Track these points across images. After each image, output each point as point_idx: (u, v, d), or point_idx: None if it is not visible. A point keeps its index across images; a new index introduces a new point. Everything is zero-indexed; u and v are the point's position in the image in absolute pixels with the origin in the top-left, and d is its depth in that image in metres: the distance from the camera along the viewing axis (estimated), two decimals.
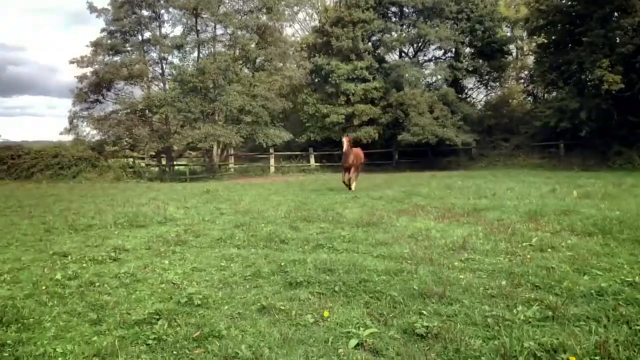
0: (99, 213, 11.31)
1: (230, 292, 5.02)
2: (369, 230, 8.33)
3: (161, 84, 32.76)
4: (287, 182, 23.97)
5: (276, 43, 32.80)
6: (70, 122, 33.33)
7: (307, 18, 40.64)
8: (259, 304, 4.57)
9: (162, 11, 33.22)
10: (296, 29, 40.59)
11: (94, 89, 33.05)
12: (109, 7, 33.43)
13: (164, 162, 33.65)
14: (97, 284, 5.24)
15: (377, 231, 8.25)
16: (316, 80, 34.70)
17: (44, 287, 5.07)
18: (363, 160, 17.07)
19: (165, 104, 29.82)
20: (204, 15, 32.59)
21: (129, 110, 31.80)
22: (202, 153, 37.04)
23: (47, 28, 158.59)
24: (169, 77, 33.18)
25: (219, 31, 33.53)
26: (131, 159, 32.44)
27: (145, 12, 33.33)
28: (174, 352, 3.54)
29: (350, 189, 15.62)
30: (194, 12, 31.67)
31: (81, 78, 33.04)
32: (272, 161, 33.28)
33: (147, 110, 31.84)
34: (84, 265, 6.15)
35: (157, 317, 4.13)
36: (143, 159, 33.96)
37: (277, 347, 3.62)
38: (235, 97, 29.81)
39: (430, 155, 32.70)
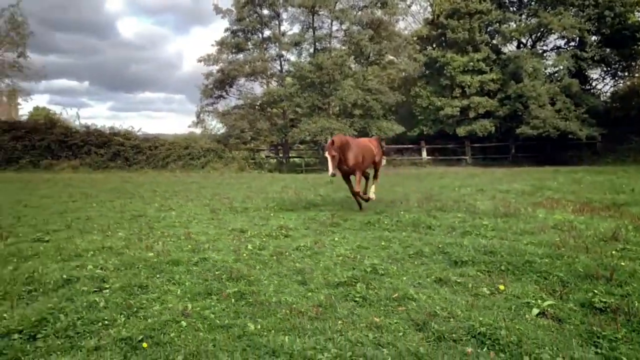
0: (248, 198, 12.58)
1: (402, 266, 5.66)
2: (508, 221, 8.58)
3: (279, 80, 34.40)
4: (401, 174, 24.38)
5: (390, 37, 33.19)
6: (198, 116, 36.21)
7: (421, 10, 40.42)
8: (433, 277, 5.16)
9: (281, 10, 34.83)
10: (409, 21, 40.58)
11: (218, 85, 35.60)
12: (233, 8, 35.69)
13: (280, 154, 35.45)
14: (285, 254, 6.14)
15: (518, 222, 8.48)
16: (429, 72, 34.56)
17: (244, 255, 6.06)
18: (380, 157, 11.54)
19: (284, 98, 31.40)
20: (320, 13, 33.77)
21: (250, 105, 33.89)
22: (309, 147, 38.62)
23: (165, 27, 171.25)
24: (286, 73, 34.80)
25: (335, 27, 34.61)
26: (253, 151, 34.41)
27: (265, 12, 35.19)
28: (380, 308, 4.23)
29: (365, 200, 10.56)
30: (312, 9, 32.91)
31: (207, 75, 35.70)
32: None
33: (266, 105, 33.67)
34: (264, 239, 7.13)
35: (355, 280, 4.87)
36: (263, 150, 35.98)
37: (467, 311, 4.18)
38: (350, 91, 30.69)
39: (550, 150, 31.39)
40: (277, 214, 9.85)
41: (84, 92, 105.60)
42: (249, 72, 33.86)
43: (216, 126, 35.49)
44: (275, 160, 34.84)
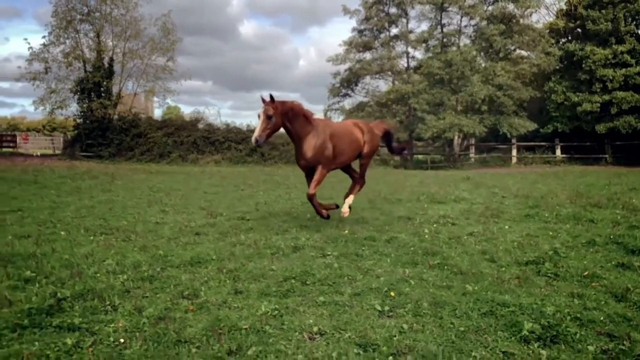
0: (395, 191, 13.43)
1: (578, 252, 6.09)
2: None
3: (406, 77, 34.85)
4: (537, 172, 23.78)
5: (523, 31, 32.23)
6: (325, 114, 37.84)
7: (555, 1, 38.54)
8: (614, 262, 5.55)
9: (409, 8, 35.24)
10: (542, 14, 38.91)
11: (345, 84, 36.93)
12: (360, 8, 36.75)
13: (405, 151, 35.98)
14: (462, 238, 6.83)
15: None
16: (564, 66, 32.98)
17: (426, 237, 6.85)
18: (371, 150, 8.33)
19: (411, 95, 31.84)
20: (449, 9, 33.70)
21: (377, 103, 34.81)
22: (427, 143, 38.62)
23: (283, 28, 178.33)
24: (412, 70, 35.18)
25: (463, 23, 34.35)
26: (379, 148, 35.27)
27: (393, 10, 35.85)
28: (574, 282, 4.77)
29: (325, 212, 7.62)
30: (441, 6, 32.96)
31: (335, 74, 37.20)
32: (513, 152, 32.95)
33: (392, 102, 34.33)
34: (433, 226, 7.87)
35: (542, 259, 5.44)
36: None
37: None
38: (481, 87, 30.35)
39: None
40: (430, 205, 10.52)
41: (207, 91, 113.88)
42: (376, 70, 34.77)
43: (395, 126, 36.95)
44: (399, 157, 35.39)
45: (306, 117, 7.27)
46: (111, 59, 34.09)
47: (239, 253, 5.55)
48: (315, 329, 3.43)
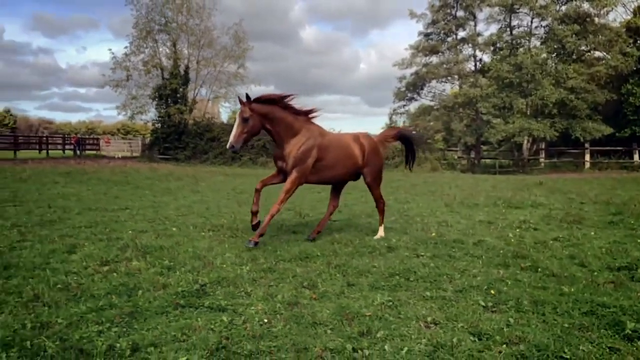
0: (470, 195, 13.57)
1: None
2: None
3: (472, 80, 34.47)
4: (614, 178, 22.96)
5: (599, 31, 31.13)
6: (390, 118, 38.06)
7: None
8: None
9: (477, 11, 34.85)
10: (619, 12, 37.34)
11: (411, 88, 36.95)
12: (427, 12, 36.69)
13: (472, 155, 35.54)
14: (547, 243, 7.01)
15: None
16: None
17: (512, 241, 7.09)
18: (376, 168, 7.47)
19: (480, 99, 31.49)
20: (519, 10, 33.06)
21: (444, 106, 34.63)
22: (493, 147, 37.90)
23: (344, 32, 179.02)
24: (480, 74, 34.73)
25: (534, 24, 33.58)
26: (445, 152, 35.07)
27: (460, 13, 35.56)
28: None
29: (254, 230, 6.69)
30: (511, 8, 32.40)
31: (401, 78, 37.31)
32: (586, 156, 31.86)
33: (458, 106, 34.04)
34: (516, 230, 8.06)
35: (635, 266, 5.59)
36: (455, 151, 36.44)
37: None
38: (552, 90, 29.60)
39: None
40: (508, 210, 10.64)
41: None
42: (443, 74, 34.62)
43: (408, 127, 36.93)
44: (466, 161, 35.05)
45: (287, 120, 6.49)
46: (187, 67, 35.89)
47: (340, 251, 6.05)
48: (429, 319, 3.85)
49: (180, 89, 35.27)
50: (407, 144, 8.14)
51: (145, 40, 36.23)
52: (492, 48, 33.88)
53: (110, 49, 77.85)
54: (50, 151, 41.41)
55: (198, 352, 3.05)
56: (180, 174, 20.48)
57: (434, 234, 7.31)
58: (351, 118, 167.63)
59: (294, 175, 6.49)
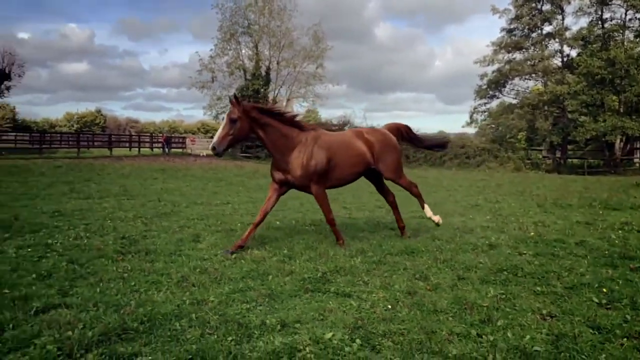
0: (562, 196, 13.26)
1: None
2: None
3: (559, 77, 33.14)
4: None
5: None
6: (471, 116, 37.35)
7: None
8: None
9: (564, 4, 33.44)
10: None
11: (493, 86, 36.05)
12: (510, 7, 35.63)
13: (558, 155, 34.15)
14: None
15: None
16: None
17: (616, 242, 6.99)
18: (394, 163, 6.97)
19: (567, 97, 30.23)
20: (612, 2, 31.39)
21: (528, 104, 33.53)
22: (577, 146, 36.07)
23: (418, 28, 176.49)
24: (566, 70, 33.31)
25: (628, 17, 31.74)
26: (529, 151, 33.96)
27: (546, 7, 34.25)
28: None
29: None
30: (602, 0, 30.84)
31: (482, 76, 36.51)
32: None
33: (543, 104, 32.84)
34: (619, 232, 7.87)
35: None
36: (540, 150, 35.21)
37: None
38: None
39: None
40: (606, 212, 10.35)
41: (341, 94, 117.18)
42: (528, 71, 33.53)
43: (490, 125, 36.14)
44: (551, 161, 33.76)
45: (284, 119, 6.13)
46: (268, 68, 37.12)
47: (443, 247, 6.29)
48: (544, 311, 4.03)
49: (262, 90, 36.52)
50: (408, 140, 7.75)
51: (229, 43, 37.84)
52: (581, 43, 32.37)
53: (197, 52, 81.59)
54: (140, 149, 44.19)
55: (340, 330, 3.44)
56: (265, 171, 21.27)
57: (532, 234, 7.35)
58: (425, 116, 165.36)
59: (316, 190, 6.21)
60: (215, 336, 3.32)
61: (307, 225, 7.91)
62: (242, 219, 8.52)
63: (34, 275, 4.66)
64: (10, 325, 3.40)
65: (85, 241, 6.32)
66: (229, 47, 38.01)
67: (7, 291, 4.18)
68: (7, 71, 45.85)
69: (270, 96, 37.71)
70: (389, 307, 4.03)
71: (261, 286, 4.46)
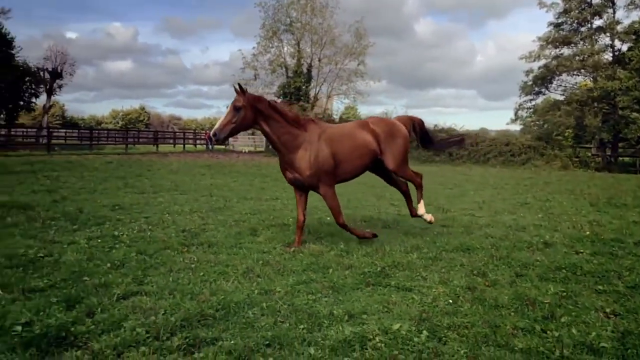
0: (616, 195, 12.93)
1: None
2: None
3: (609, 73, 32.04)
4: None
5: None
6: (515, 113, 36.59)
7: None
8: None
9: None
10: None
11: (539, 82, 35.19)
12: (558, 1, 34.66)
13: (608, 153, 33.07)
14: None
15: None
16: None
17: None
18: (399, 154, 6.61)
19: (619, 93, 29.24)
20: None
21: (576, 101, 32.59)
22: (628, 144, 34.72)
23: (459, 24, 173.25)
24: (617, 65, 32.19)
25: None
26: (577, 149, 33.00)
27: (596, 0, 33.19)
28: None
29: (360, 236, 6.35)
30: None
31: (527, 72, 35.68)
32: None
33: (593, 100, 31.84)
34: None
35: None
36: (589, 148, 34.19)
37: None
38: None
39: None
40: None
41: (381, 90, 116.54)
42: (576, 67, 32.59)
43: (536, 122, 35.34)
44: (601, 159, 32.71)
45: (287, 118, 5.99)
46: (309, 65, 37.37)
47: (498, 244, 6.30)
48: (607, 310, 4.02)
49: (303, 87, 36.81)
50: (419, 136, 7.52)
51: (271, 41, 38.31)
52: (633, 37, 31.20)
53: (240, 50, 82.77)
54: (185, 145, 45.28)
55: (406, 321, 3.56)
56: None
57: (588, 233, 7.25)
58: (467, 113, 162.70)
59: (322, 188, 6.04)
60: (288, 324, 3.49)
61: (359, 221, 8.03)
62: (293, 214, 8.70)
63: (108, 265, 4.96)
64: (99, 309, 3.67)
65: (149, 233, 6.63)
66: (271, 45, 38.50)
67: (87, 279, 4.48)
68: (59, 70, 47.79)
69: (312, 93, 37.98)
70: (450, 301, 4.11)
71: (323, 279, 4.62)
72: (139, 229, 6.95)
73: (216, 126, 5.73)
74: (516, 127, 38.55)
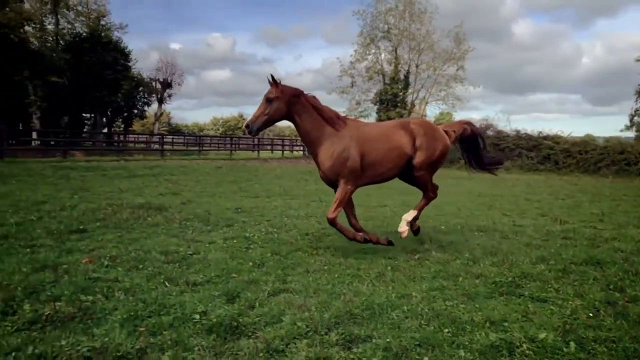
0: None
1: None
2: None
3: None
4: None
5: None
6: (631, 119, 34.10)
7: None
8: None
9: None
10: None
11: None
12: None
13: None
14: None
15: None
16: None
17: None
18: (432, 157, 6.33)
19: None
20: None
21: None
22: None
23: (563, 24, 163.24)
24: None
25: None
26: None
27: None
28: None
29: (361, 240, 6.13)
30: None
31: None
32: None
33: None
34: None
35: None
36: None
37: None
38: None
39: None
40: None
41: (476, 96, 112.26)
42: None
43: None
44: None
45: (322, 113, 5.94)
46: (407, 72, 37.26)
47: (630, 259, 6.04)
48: None
49: (400, 94, 36.75)
50: (469, 151, 7.16)
51: (368, 48, 38.65)
52: None
53: (338, 58, 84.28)
54: (282, 151, 46.82)
55: (550, 331, 3.61)
56: None
57: None
58: (570, 119, 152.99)
59: (341, 183, 5.90)
60: (432, 327, 3.68)
61: (475, 231, 8.02)
62: None
63: (250, 264, 5.43)
64: (256, 304, 4.09)
65: (276, 236, 7.12)
66: (368, 52, 38.86)
67: (234, 275, 4.96)
68: (169, 80, 51.48)
69: (409, 100, 37.80)
70: (591, 315, 4.08)
71: (454, 286, 4.75)
72: (265, 231, 7.46)
73: (249, 118, 5.83)
74: (630, 134, 35.70)
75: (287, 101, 5.84)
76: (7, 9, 33.22)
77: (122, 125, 51.80)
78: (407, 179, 6.68)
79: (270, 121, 5.89)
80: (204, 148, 42.64)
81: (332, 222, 5.89)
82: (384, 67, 38.22)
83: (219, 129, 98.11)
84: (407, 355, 3.22)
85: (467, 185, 17.86)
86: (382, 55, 38.60)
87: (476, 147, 7.14)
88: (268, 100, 5.79)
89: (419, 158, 6.19)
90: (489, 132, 34.05)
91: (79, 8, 42.24)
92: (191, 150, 38.91)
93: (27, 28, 36.33)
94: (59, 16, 40.04)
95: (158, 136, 39.11)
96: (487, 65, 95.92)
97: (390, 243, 6.21)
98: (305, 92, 6.04)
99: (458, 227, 8.40)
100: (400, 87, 36.54)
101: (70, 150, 27.91)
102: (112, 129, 49.45)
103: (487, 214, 10.23)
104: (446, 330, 3.64)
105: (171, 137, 48.65)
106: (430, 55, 37.85)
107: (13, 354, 3.04)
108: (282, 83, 5.93)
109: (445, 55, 37.63)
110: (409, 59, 37.82)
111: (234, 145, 44.17)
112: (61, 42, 40.09)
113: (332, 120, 6.03)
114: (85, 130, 44.58)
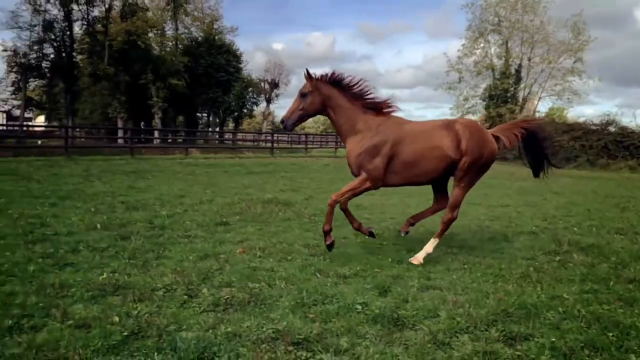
0: None
1: None
2: None
3: None
4: None
5: None
6: None
7: None
8: None
9: None
10: None
11: None
12: None
13: None
14: None
15: None
16: None
17: None
18: (477, 161, 5.63)
19: None
20: None
21: None
22: None
23: None
24: None
25: None
26: None
27: None
28: None
29: (366, 233, 6.08)
30: None
31: None
32: None
33: None
34: None
35: None
36: None
37: None
38: None
39: None
40: None
41: (591, 89, 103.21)
42: None
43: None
44: None
45: (366, 106, 5.68)
46: (519, 66, 35.59)
47: None
48: None
49: (511, 89, 35.22)
50: (532, 153, 6.38)
51: (477, 42, 37.42)
52: None
53: (445, 53, 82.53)
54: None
55: None
56: (521, 174, 20.66)
57: None
58: None
59: (363, 176, 5.60)
60: (595, 330, 3.65)
61: (614, 234, 7.67)
62: (534, 222, 8.64)
63: (389, 259, 5.65)
64: (409, 298, 4.28)
65: (404, 234, 7.26)
66: (476, 47, 37.64)
67: (377, 270, 5.18)
68: (276, 81, 53.43)
69: (521, 95, 36.09)
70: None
71: (607, 290, 4.63)
72: (393, 228, 7.65)
73: (285, 113, 5.80)
74: None
75: (321, 95, 5.75)
76: (135, 17, 36.47)
77: (233, 124, 54.63)
78: (437, 185, 6.23)
79: (305, 116, 5.84)
80: (308, 146, 43.74)
81: (331, 205, 5.63)
82: (494, 61, 36.82)
83: (319, 127, 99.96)
84: (575, 356, 3.23)
85: (590, 185, 16.82)
86: (492, 49, 37.25)
87: (537, 151, 6.40)
88: (302, 95, 5.77)
89: (463, 162, 5.68)
90: (611, 128, 31.63)
91: (195, 13, 45.10)
92: (296, 148, 40.10)
93: (150, 35, 39.54)
94: (177, 22, 43.02)
95: (266, 134, 40.72)
96: (604, 56, 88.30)
97: (371, 234, 6.08)
98: (345, 77, 5.77)
99: (593, 229, 8.03)
100: (511, 82, 34.97)
101: (188, 148, 30.03)
102: (223, 128, 52.33)
103: (622, 216, 9.63)
104: (610, 334, 3.58)
105: (276, 135, 50.46)
106: (544, 48, 35.83)
107: (210, 331, 3.48)
108: (317, 75, 5.81)
109: (561, 47, 35.38)
110: (520, 52, 36.08)
111: (338, 143, 44.76)
112: (180, 46, 43.10)
113: (374, 107, 5.81)
114: (199, 129, 47.63)
